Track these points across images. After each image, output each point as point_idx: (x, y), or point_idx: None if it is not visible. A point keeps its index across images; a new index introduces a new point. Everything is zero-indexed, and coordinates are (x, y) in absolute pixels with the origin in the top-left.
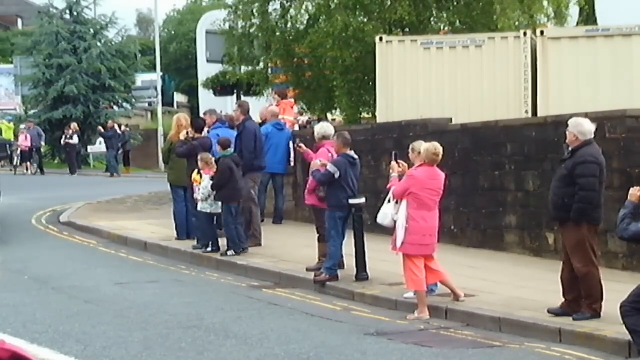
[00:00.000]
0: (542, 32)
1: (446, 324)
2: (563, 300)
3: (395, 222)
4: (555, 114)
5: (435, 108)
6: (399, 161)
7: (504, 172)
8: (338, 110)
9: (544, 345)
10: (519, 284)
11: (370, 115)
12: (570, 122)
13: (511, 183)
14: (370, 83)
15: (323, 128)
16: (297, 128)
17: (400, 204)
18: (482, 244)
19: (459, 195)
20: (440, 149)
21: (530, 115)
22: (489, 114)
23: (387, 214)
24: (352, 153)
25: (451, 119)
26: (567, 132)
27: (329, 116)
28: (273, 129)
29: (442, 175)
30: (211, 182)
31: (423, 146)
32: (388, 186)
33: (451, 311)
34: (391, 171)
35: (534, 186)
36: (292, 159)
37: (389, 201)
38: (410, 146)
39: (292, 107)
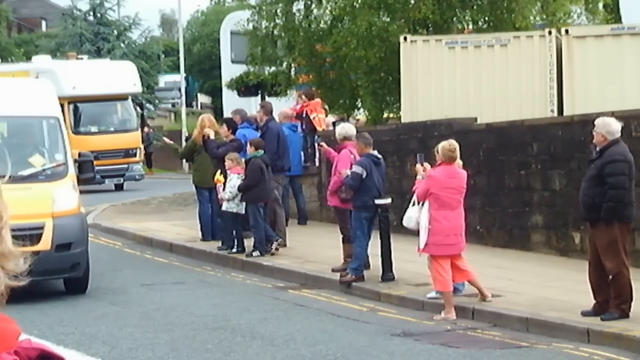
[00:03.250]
0: (567, 31)
1: (473, 324)
2: (594, 302)
3: (419, 224)
4: (581, 113)
5: (460, 107)
6: (423, 163)
7: (530, 172)
8: (361, 109)
9: (572, 345)
10: (546, 283)
11: (394, 115)
12: (597, 122)
13: (537, 182)
14: (394, 83)
15: (344, 129)
16: (330, 127)
17: (423, 206)
18: (508, 243)
19: (485, 194)
20: (455, 145)
21: (556, 114)
22: (514, 113)
23: (411, 217)
24: (375, 152)
25: (476, 119)
26: (595, 133)
27: (353, 116)
28: (288, 131)
29: (463, 173)
30: (239, 182)
31: (439, 145)
32: (413, 189)
33: (478, 311)
34: (416, 174)
35: (560, 185)
36: (316, 159)
37: (414, 204)
38: (436, 147)
39: (321, 107)
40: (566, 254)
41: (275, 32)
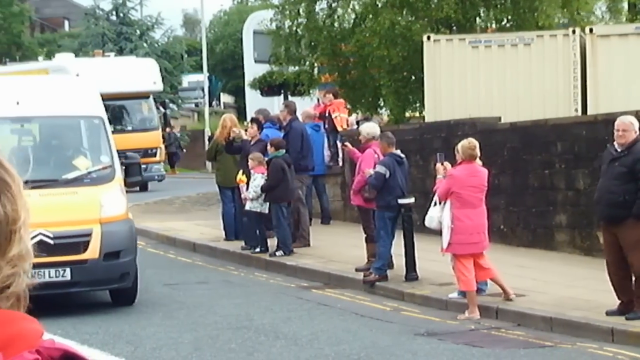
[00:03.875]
0: (591, 30)
1: (497, 324)
2: (618, 302)
3: (441, 224)
4: (605, 112)
5: (484, 107)
6: (443, 162)
7: (554, 171)
8: (383, 109)
9: (596, 345)
10: (570, 283)
11: (417, 115)
12: (624, 120)
13: (561, 182)
14: (417, 82)
15: (370, 128)
16: (354, 127)
17: (445, 205)
18: (532, 243)
19: (509, 194)
20: (475, 143)
21: (580, 113)
22: (538, 112)
23: (433, 217)
24: (398, 152)
25: (500, 118)
26: (622, 131)
27: (378, 115)
28: (310, 130)
29: (484, 171)
30: (263, 182)
31: (459, 144)
32: (434, 188)
33: (502, 311)
34: (437, 173)
35: (584, 185)
36: (339, 158)
37: (435, 204)
38: (455, 147)
39: (344, 107)
40: (590, 253)
41: (299, 32)
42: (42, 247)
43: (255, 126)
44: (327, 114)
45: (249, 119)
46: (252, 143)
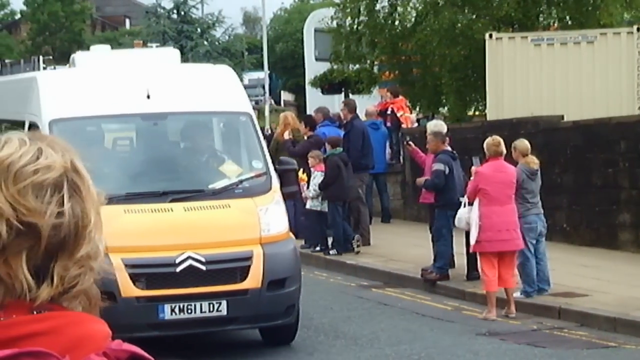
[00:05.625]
0: None
1: (559, 324)
2: None
3: (469, 224)
4: None
5: (546, 105)
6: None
7: (618, 170)
8: (445, 107)
9: None
10: (634, 283)
11: (478, 113)
12: None
13: (625, 180)
14: (479, 80)
15: (437, 126)
16: (415, 124)
17: (474, 205)
18: (595, 242)
19: (571, 193)
20: (499, 139)
21: None
22: (601, 110)
23: (461, 218)
24: (449, 148)
25: (563, 116)
26: None
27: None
28: (369, 128)
29: (512, 167)
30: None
31: (486, 142)
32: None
33: (564, 311)
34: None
35: None
36: (400, 157)
37: (464, 205)
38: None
39: (405, 105)
40: None
41: (359, 30)
42: (192, 275)
43: (304, 124)
44: (388, 112)
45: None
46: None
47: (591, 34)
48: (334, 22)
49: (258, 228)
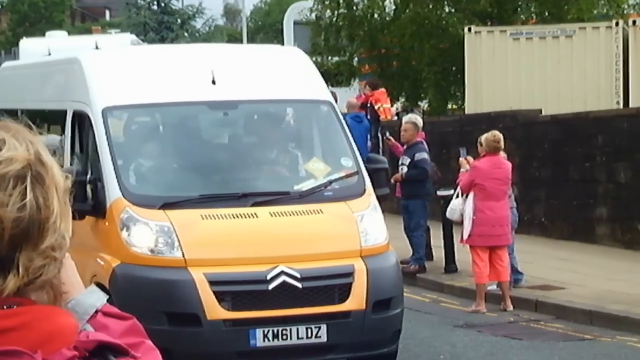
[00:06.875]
0: (634, 22)
1: (536, 316)
2: None
3: (462, 215)
4: None
5: (525, 99)
6: (467, 157)
7: (595, 164)
8: (424, 101)
9: (635, 338)
10: (610, 276)
11: (457, 107)
12: None
13: (602, 174)
14: (458, 74)
15: (414, 118)
16: (395, 118)
17: (467, 197)
18: (572, 235)
19: (549, 186)
20: (499, 136)
21: (621, 106)
22: (579, 105)
23: (455, 209)
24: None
25: (541, 110)
26: None
27: (419, 107)
28: (352, 122)
29: (508, 164)
30: None
31: (483, 136)
32: (457, 182)
33: (541, 303)
34: (461, 167)
35: (626, 178)
36: (380, 150)
37: (457, 196)
38: (478, 140)
39: (386, 96)
40: (631, 246)
41: (338, 22)
42: (286, 294)
43: None
44: (368, 105)
45: None
46: None
47: (570, 28)
48: (313, 15)
49: (357, 238)
